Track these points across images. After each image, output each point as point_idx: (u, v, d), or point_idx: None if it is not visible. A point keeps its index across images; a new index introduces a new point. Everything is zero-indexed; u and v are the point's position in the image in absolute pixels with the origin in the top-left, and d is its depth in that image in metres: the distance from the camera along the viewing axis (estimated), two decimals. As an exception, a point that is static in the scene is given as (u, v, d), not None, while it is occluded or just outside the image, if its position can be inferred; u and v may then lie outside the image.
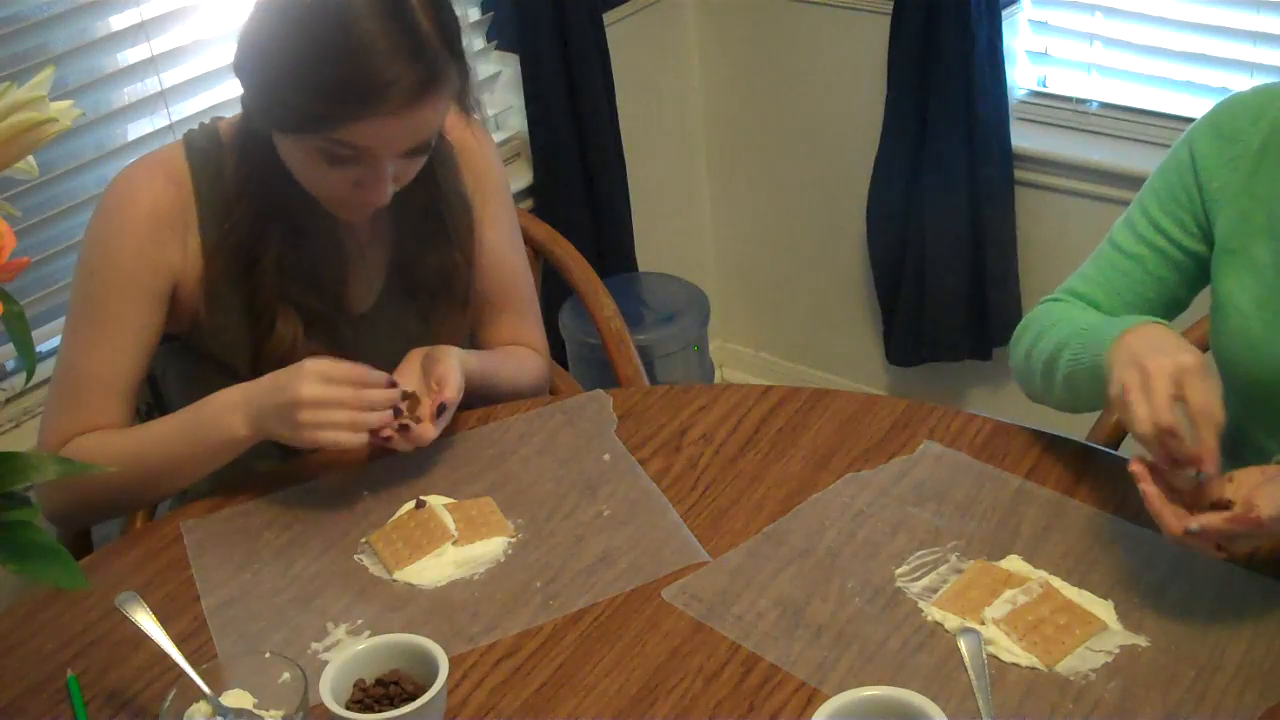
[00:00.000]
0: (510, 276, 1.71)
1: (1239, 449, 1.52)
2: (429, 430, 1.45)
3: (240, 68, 1.43)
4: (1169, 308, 1.46)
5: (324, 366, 1.40)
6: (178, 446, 1.47)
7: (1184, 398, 1.19)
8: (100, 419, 1.49)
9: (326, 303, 1.56)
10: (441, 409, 1.47)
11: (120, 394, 1.51)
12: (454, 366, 1.50)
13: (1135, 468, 1.20)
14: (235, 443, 1.45)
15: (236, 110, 2.14)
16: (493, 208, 1.67)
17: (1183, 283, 1.45)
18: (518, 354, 1.72)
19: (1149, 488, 1.19)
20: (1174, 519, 1.18)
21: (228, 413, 1.44)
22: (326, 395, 1.39)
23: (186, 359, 1.58)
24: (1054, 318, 1.45)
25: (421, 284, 1.62)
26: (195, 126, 1.55)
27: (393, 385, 1.44)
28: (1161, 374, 1.20)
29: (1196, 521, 1.16)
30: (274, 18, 1.38)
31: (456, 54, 1.41)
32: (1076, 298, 1.47)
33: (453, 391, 1.48)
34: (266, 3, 1.40)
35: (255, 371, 1.53)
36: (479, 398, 1.60)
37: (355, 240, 1.58)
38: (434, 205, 1.58)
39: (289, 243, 1.50)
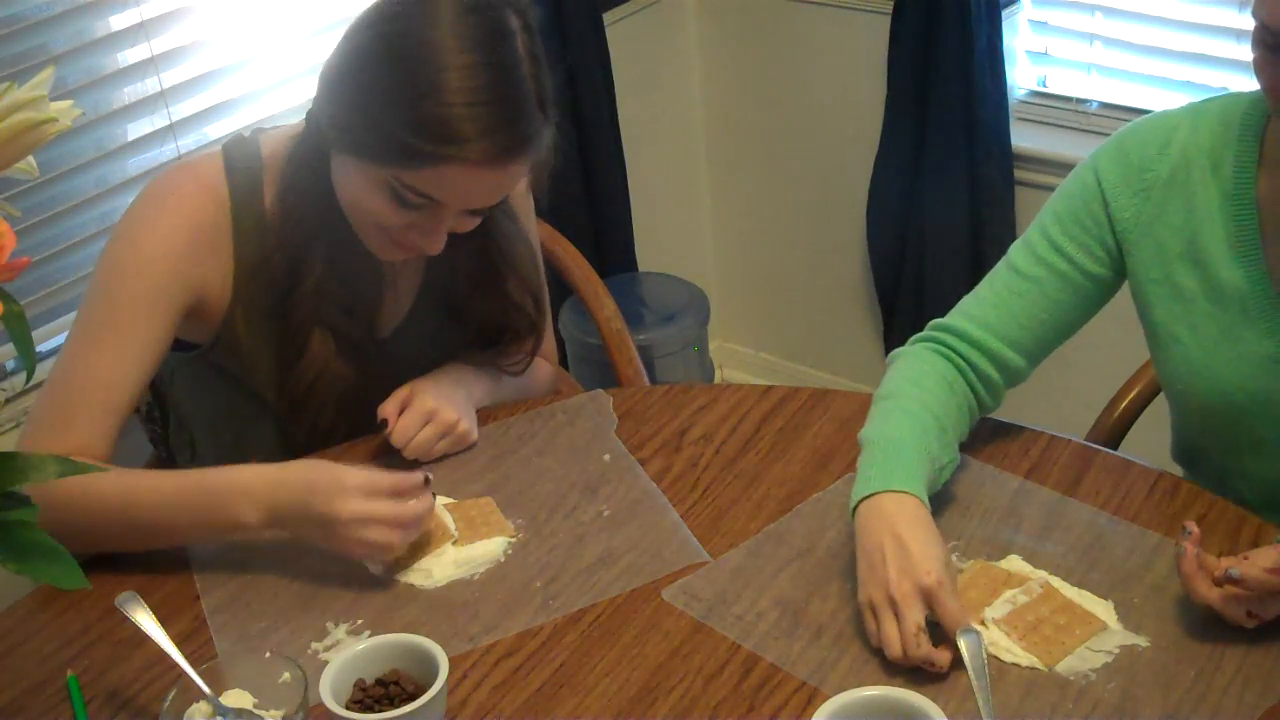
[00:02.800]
0: None
1: (1198, 465, 1.52)
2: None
3: (327, 81, 1.39)
4: (1060, 331, 1.45)
5: (362, 481, 1.32)
6: (173, 511, 1.36)
7: (936, 616, 1.20)
8: (88, 438, 1.41)
9: (358, 325, 1.54)
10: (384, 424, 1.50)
11: (115, 411, 1.43)
12: (467, 421, 1.54)
13: (1193, 529, 1.20)
14: (240, 528, 1.35)
15: (235, 111, 2.16)
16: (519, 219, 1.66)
17: (1077, 306, 1.44)
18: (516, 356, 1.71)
19: (1192, 549, 1.19)
20: (1205, 582, 1.18)
21: (240, 496, 1.33)
22: (367, 512, 1.31)
23: (200, 369, 1.55)
24: (897, 386, 1.41)
25: (469, 320, 1.61)
26: (234, 138, 1.52)
27: (426, 481, 1.35)
28: (908, 602, 1.20)
29: (1238, 567, 1.15)
30: (378, 41, 1.35)
31: (549, 117, 1.39)
32: (968, 318, 1.45)
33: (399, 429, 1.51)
34: (370, 24, 1.36)
35: (281, 392, 1.52)
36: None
37: (389, 263, 1.57)
38: (489, 248, 1.55)
39: (331, 267, 1.48)
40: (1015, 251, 1.46)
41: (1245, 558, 1.17)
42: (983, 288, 1.48)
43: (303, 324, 1.49)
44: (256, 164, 1.49)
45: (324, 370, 1.51)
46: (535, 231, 1.71)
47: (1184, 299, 1.38)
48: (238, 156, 1.49)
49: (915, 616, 1.20)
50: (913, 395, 1.39)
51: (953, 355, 1.44)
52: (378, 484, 1.32)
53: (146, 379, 1.46)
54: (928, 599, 1.20)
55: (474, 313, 1.61)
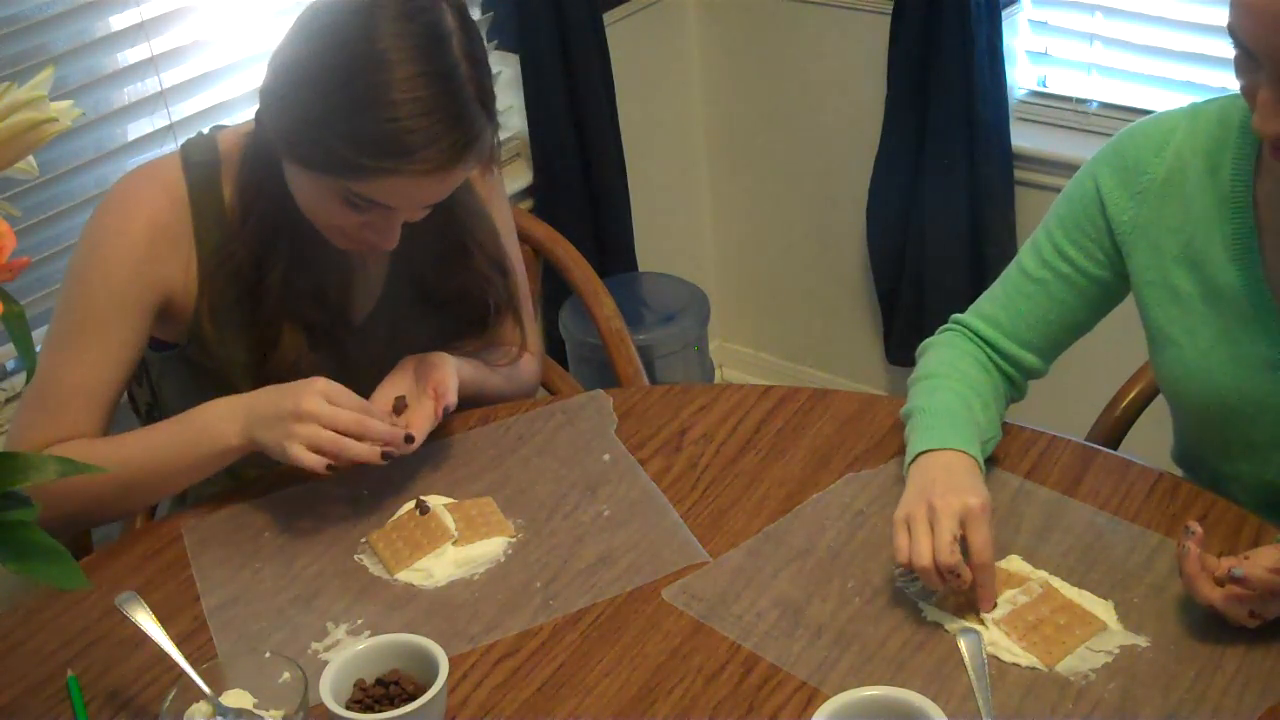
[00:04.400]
0: None
1: (1195, 469, 1.52)
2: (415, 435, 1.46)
3: (270, 92, 1.39)
4: (1070, 330, 1.48)
5: (331, 389, 1.40)
6: (164, 455, 1.43)
7: (966, 539, 1.24)
8: (75, 429, 1.45)
9: (330, 314, 1.54)
10: (445, 411, 1.47)
11: (99, 405, 1.46)
12: (450, 373, 1.51)
13: (1196, 529, 1.19)
14: (226, 452, 1.42)
15: (235, 111, 2.16)
16: (491, 206, 1.66)
17: (1085, 307, 1.46)
18: (506, 344, 1.71)
19: (1195, 549, 1.19)
20: (1207, 583, 1.19)
21: (221, 421, 1.42)
22: (325, 414, 1.37)
23: (183, 370, 1.55)
24: (934, 368, 1.46)
25: (444, 302, 1.61)
26: (194, 136, 1.52)
27: (396, 414, 1.44)
28: (948, 513, 1.25)
29: (1241, 567, 1.16)
30: (316, 54, 1.34)
31: (491, 114, 1.38)
32: (983, 318, 1.49)
33: (452, 397, 1.48)
34: (308, 34, 1.35)
35: (258, 383, 1.52)
36: (471, 403, 1.60)
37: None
38: (451, 226, 1.55)
39: (295, 260, 1.48)
40: (1024, 252, 1.49)
41: (1246, 557, 1.17)
42: (996, 287, 1.51)
43: (272, 318, 1.49)
44: (214, 159, 1.49)
45: (298, 363, 1.50)
46: (504, 208, 1.70)
47: (1180, 301, 1.38)
48: (195, 153, 1.50)
49: (952, 527, 1.23)
50: (952, 374, 1.44)
51: (980, 343, 1.49)
52: (342, 394, 1.40)
53: (123, 381, 1.48)
54: (966, 518, 1.24)
55: (445, 291, 1.60)
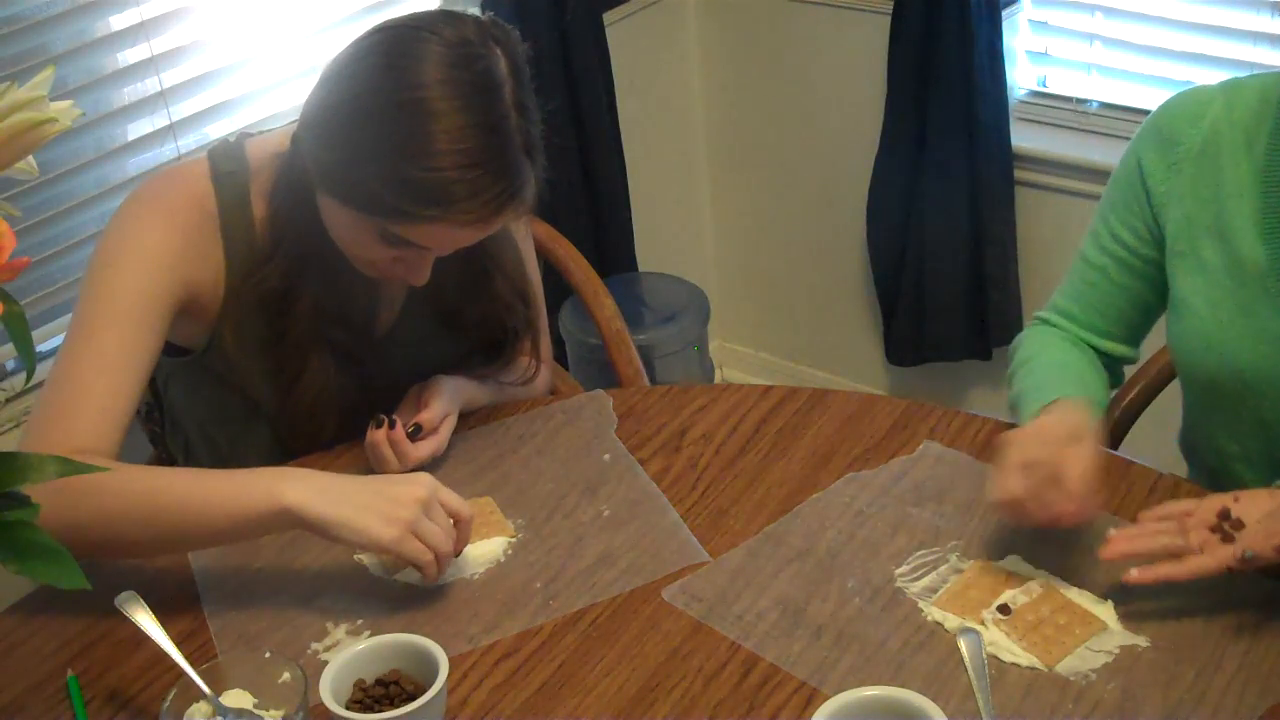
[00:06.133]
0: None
1: (1197, 449, 1.53)
2: (415, 450, 1.47)
3: (312, 125, 1.36)
4: (1142, 313, 1.49)
5: (440, 487, 1.31)
6: (205, 494, 1.29)
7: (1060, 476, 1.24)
8: (92, 439, 1.35)
9: (354, 335, 1.53)
10: (418, 430, 1.47)
11: (119, 410, 1.38)
12: (439, 391, 1.51)
13: (1134, 575, 1.21)
14: (272, 513, 1.27)
15: (235, 110, 2.16)
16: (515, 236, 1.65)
17: (1149, 289, 1.47)
18: (522, 368, 1.71)
19: (1173, 571, 1.20)
20: (1214, 560, 1.19)
21: (283, 480, 1.28)
22: (436, 511, 1.29)
23: (195, 374, 1.54)
24: (1029, 352, 1.49)
25: (465, 326, 1.61)
26: (219, 145, 1.50)
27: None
28: (1041, 462, 1.25)
29: (1250, 548, 1.17)
30: (363, 94, 1.31)
31: (536, 163, 1.38)
32: (1059, 313, 1.51)
33: (428, 415, 1.48)
34: (356, 72, 1.33)
35: (283, 406, 1.51)
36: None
37: None
38: (475, 251, 1.50)
39: (325, 287, 1.47)
40: (1086, 241, 1.51)
41: (1236, 499, 1.20)
42: (1065, 281, 1.53)
43: (300, 345, 1.48)
44: (243, 171, 1.47)
45: (325, 387, 1.50)
46: (528, 235, 1.70)
47: (1206, 272, 1.39)
48: (223, 163, 1.47)
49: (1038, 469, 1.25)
50: (1047, 351, 1.47)
51: (1069, 331, 1.51)
52: (452, 496, 1.32)
53: (147, 377, 1.44)
54: (1057, 462, 1.25)
55: (466, 314, 1.60)
